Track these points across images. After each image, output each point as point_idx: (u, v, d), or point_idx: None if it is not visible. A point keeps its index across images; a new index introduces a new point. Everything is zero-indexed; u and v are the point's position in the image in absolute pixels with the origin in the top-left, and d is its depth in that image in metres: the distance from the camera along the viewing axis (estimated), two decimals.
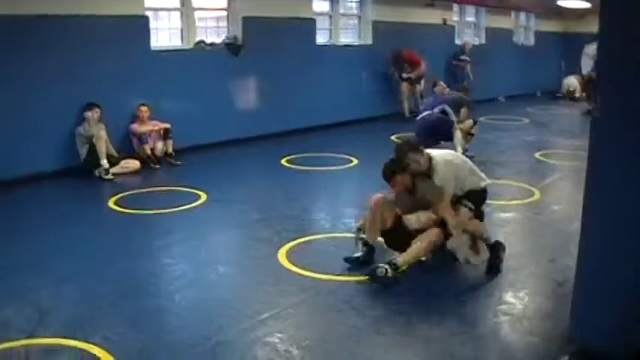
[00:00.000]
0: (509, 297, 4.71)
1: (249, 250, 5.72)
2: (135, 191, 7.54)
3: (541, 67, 19.41)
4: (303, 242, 5.81)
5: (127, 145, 8.77)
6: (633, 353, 3.49)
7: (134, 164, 8.44)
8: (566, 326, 3.93)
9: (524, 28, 19.65)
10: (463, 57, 15.46)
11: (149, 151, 8.71)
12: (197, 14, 10.04)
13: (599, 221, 3.55)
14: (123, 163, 8.36)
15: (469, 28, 17.19)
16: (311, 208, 7.35)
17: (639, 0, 3.29)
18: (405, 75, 13.24)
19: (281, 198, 7.46)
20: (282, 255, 5.44)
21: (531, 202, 7.32)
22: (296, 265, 5.19)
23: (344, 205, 7.36)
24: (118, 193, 7.34)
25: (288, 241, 5.75)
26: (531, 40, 19.78)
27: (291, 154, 9.60)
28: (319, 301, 4.62)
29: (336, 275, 4.99)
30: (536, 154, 10.12)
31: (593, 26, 17.64)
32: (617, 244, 3.51)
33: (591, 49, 15.89)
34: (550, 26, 20.50)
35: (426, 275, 5.05)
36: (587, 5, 16.56)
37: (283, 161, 9.29)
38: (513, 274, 5.15)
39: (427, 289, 4.82)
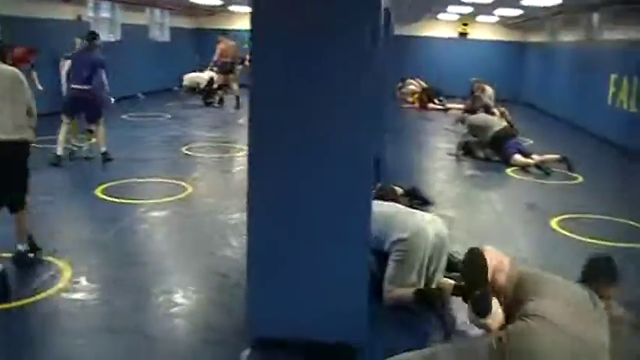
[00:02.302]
0: (179, 298, 4.69)
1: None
2: None
3: (178, 62, 19.98)
4: None
5: None
6: (305, 341, 3.80)
7: None
8: (242, 319, 3.99)
9: (159, 25, 19.99)
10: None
11: None
12: None
13: (263, 218, 3.76)
14: None
15: (104, 24, 16.89)
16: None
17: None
18: None
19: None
20: None
21: (184, 197, 7.57)
22: None
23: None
24: None
25: None
26: (167, 36, 20.24)
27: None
28: None
29: None
30: (183, 149, 10.48)
31: (222, 22, 18.96)
32: (281, 237, 3.77)
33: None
34: (184, 22, 21.23)
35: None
36: (219, 2, 17.54)
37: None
38: (178, 273, 5.28)
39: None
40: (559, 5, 13.60)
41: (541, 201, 7.97)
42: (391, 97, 17.63)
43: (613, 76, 13.29)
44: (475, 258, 3.24)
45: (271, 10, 3.59)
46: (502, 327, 3.08)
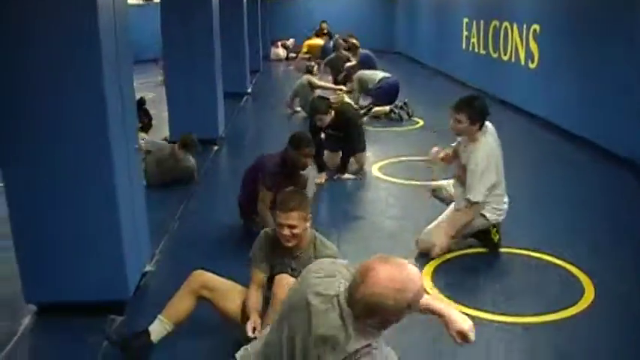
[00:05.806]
0: None
1: None
2: None
3: None
4: None
5: None
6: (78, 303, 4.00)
7: None
8: (20, 289, 4.03)
9: None
10: None
11: None
12: None
13: (17, 183, 3.83)
14: None
15: None
16: None
17: None
18: None
19: None
20: None
21: None
22: None
23: None
24: None
25: None
26: None
27: None
28: None
29: None
30: None
31: None
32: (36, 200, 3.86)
33: None
34: None
35: None
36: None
37: None
38: None
39: None
40: None
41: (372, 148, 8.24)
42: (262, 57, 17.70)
43: (465, 20, 13.82)
44: None
45: None
46: None
